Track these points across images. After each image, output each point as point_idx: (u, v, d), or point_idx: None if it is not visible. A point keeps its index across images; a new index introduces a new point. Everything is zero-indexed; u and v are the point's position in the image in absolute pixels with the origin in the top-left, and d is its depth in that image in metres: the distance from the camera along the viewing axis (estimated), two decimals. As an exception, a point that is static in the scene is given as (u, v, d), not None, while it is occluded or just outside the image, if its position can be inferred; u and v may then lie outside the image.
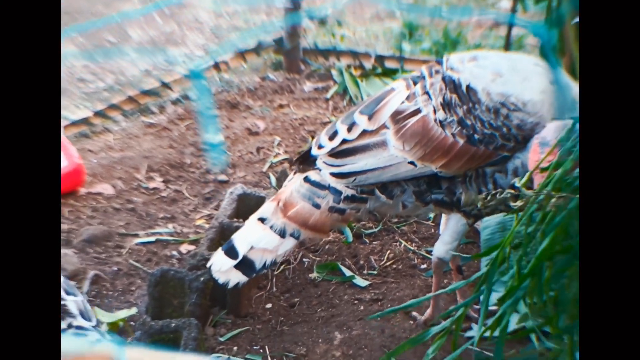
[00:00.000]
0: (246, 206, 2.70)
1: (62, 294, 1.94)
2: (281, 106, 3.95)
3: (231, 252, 2.22)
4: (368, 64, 4.29)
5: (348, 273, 2.57)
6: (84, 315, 1.92)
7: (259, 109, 3.91)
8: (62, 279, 2.01)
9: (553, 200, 1.76)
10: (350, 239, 2.75)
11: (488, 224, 2.58)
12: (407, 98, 2.13)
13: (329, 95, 4.02)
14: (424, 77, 2.15)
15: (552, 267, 1.81)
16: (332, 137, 2.20)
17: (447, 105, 2.06)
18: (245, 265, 2.20)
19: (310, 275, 2.58)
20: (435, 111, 2.07)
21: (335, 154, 2.17)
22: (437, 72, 2.13)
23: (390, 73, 4.18)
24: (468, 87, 2.06)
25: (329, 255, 2.67)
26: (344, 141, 2.17)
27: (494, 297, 1.90)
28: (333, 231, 2.71)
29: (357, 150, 2.15)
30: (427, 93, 2.10)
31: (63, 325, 1.85)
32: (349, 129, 2.17)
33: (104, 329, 2.30)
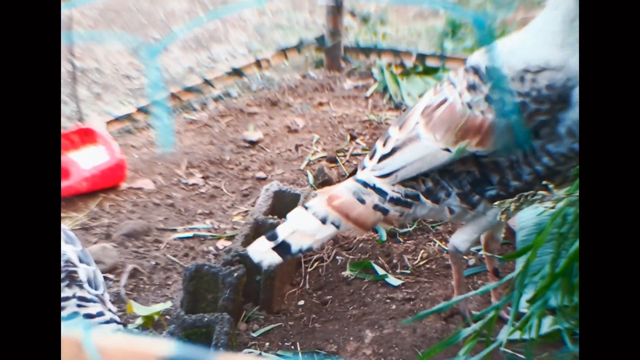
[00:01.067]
0: (282, 203, 2.72)
1: (76, 260, 2.01)
2: (321, 104, 3.96)
3: (272, 237, 2.26)
4: (409, 63, 4.28)
5: (381, 272, 2.57)
6: (91, 283, 1.99)
7: (298, 107, 3.93)
8: (80, 249, 2.08)
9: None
10: (384, 237, 2.76)
11: (524, 225, 2.56)
12: (435, 94, 2.16)
13: (368, 93, 4.02)
14: (449, 77, 2.17)
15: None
16: (372, 156, 2.25)
17: (471, 87, 2.06)
18: (282, 247, 2.24)
19: (343, 273, 2.59)
20: (460, 95, 2.08)
21: (377, 161, 2.22)
22: (461, 69, 2.14)
23: (431, 72, 4.17)
24: (487, 67, 2.05)
25: (363, 254, 2.68)
26: (382, 156, 2.21)
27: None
28: (373, 229, 2.71)
29: (393, 151, 2.18)
30: (452, 84, 2.12)
31: (68, 293, 1.91)
32: (384, 144, 2.22)
33: (131, 316, 2.35)
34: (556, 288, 1.80)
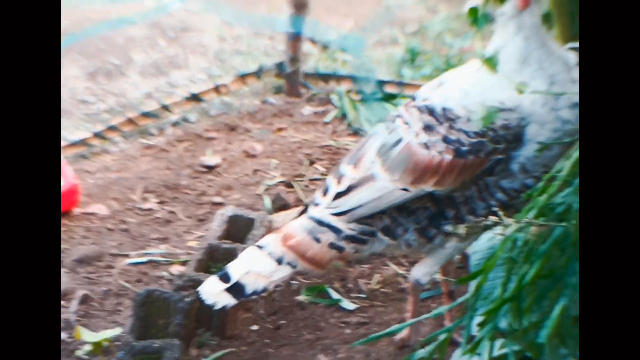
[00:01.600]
0: (237, 227, 2.70)
1: None
2: (280, 129, 3.96)
3: (225, 277, 2.22)
4: (368, 89, 4.30)
5: (336, 296, 2.56)
6: None
7: (257, 132, 3.92)
8: None
9: (534, 227, 1.77)
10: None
11: (478, 249, 2.57)
12: (389, 132, 2.17)
13: (327, 119, 4.03)
14: (400, 115, 2.19)
15: (534, 292, 1.81)
16: (325, 193, 2.24)
17: (428, 128, 2.09)
18: (236, 288, 2.20)
19: (297, 297, 2.58)
20: (417, 135, 2.10)
21: (332, 200, 2.21)
22: (412, 106, 2.17)
23: (390, 98, 4.19)
24: (443, 108, 2.08)
25: (318, 278, 2.67)
26: (337, 194, 2.20)
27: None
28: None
29: (349, 189, 2.18)
30: (406, 123, 2.13)
31: None
32: (339, 182, 2.21)
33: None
34: (506, 311, 1.81)
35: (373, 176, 2.14)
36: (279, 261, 2.21)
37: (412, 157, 2.09)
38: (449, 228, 2.11)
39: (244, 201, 3.24)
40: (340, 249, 2.20)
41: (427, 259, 2.22)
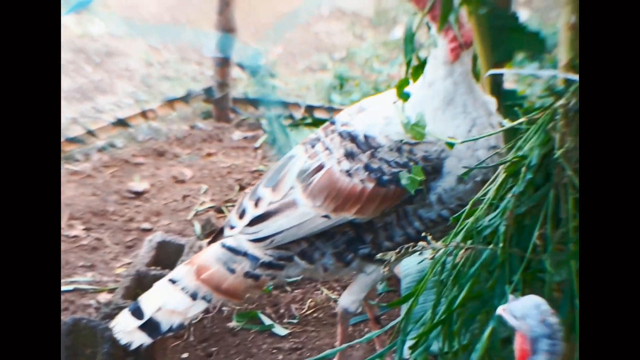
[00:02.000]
0: (165, 254, 2.67)
1: None
2: (209, 154, 3.94)
3: (137, 313, 2.17)
4: (298, 114, 4.33)
5: (268, 322, 2.55)
6: None
7: (186, 157, 3.89)
8: None
9: (462, 250, 1.80)
10: (272, 287, 2.74)
11: (408, 272, 2.59)
12: (309, 157, 2.16)
13: (257, 144, 4.03)
14: (320, 139, 2.18)
15: (463, 314, 1.83)
16: (241, 216, 2.21)
17: (349, 155, 2.09)
18: (150, 326, 2.16)
19: (229, 324, 2.56)
20: (339, 163, 2.10)
21: (248, 223, 2.18)
22: (332, 131, 2.17)
23: (319, 123, 4.21)
24: (365, 135, 2.09)
25: (249, 304, 2.65)
26: (255, 218, 2.18)
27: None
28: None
29: (269, 214, 2.16)
30: (327, 149, 2.13)
31: None
32: (256, 204, 2.19)
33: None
34: (437, 334, 1.83)
35: (294, 202, 2.13)
36: (193, 296, 2.17)
37: (334, 185, 2.09)
38: (379, 255, 2.12)
39: (173, 227, 3.20)
40: (256, 277, 2.18)
41: (352, 287, 2.23)
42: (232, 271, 2.17)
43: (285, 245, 2.16)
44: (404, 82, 1.98)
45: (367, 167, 2.08)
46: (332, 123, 2.21)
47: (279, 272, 2.19)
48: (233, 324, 2.56)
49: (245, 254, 2.17)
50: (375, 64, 5.04)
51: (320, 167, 2.12)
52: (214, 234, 2.32)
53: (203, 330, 2.53)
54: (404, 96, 1.97)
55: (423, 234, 1.85)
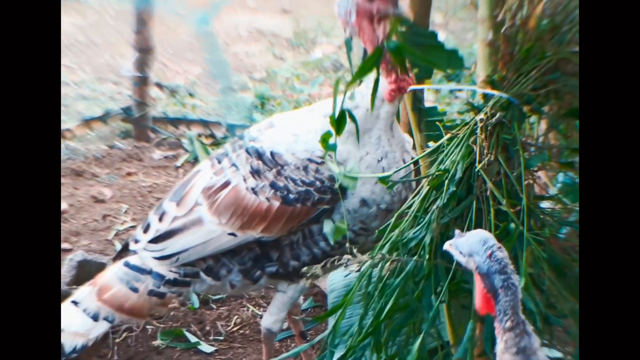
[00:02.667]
0: (87, 273, 2.61)
1: None
2: (129, 174, 3.89)
3: None
4: (219, 133, 4.32)
5: (193, 339, 2.53)
6: None
7: (105, 177, 3.83)
8: None
9: (388, 262, 1.83)
10: (197, 304, 2.71)
11: (334, 287, 2.61)
12: (215, 173, 2.14)
13: (179, 163, 4.00)
14: (227, 154, 2.17)
15: (390, 326, 1.86)
16: (146, 230, 2.19)
17: (256, 173, 2.09)
18: None
19: (154, 342, 2.52)
20: (245, 180, 2.09)
21: (153, 240, 2.15)
22: (240, 146, 2.16)
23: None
24: (272, 152, 2.09)
25: (174, 322, 2.62)
26: (159, 235, 2.15)
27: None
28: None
29: (174, 232, 2.14)
30: (234, 165, 2.12)
31: None
32: (160, 219, 2.16)
33: None
34: (365, 346, 1.84)
35: (200, 219, 2.11)
36: (95, 318, 2.14)
37: (241, 202, 2.08)
38: (305, 269, 2.13)
39: (93, 247, 3.14)
40: (161, 295, 2.16)
41: (271, 308, 2.22)
42: (135, 290, 2.15)
43: (191, 262, 2.15)
44: (327, 136, 1.97)
45: (273, 185, 2.07)
46: (241, 138, 2.20)
47: (185, 289, 2.17)
48: (158, 342, 2.52)
49: (149, 272, 2.15)
50: (296, 84, 5.08)
51: (226, 184, 2.10)
52: (120, 250, 2.28)
53: (127, 349, 2.49)
54: (331, 147, 1.97)
55: (348, 247, 1.86)
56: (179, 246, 2.12)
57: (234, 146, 2.17)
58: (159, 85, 5.04)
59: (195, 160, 4.02)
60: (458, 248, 1.49)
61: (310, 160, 2.06)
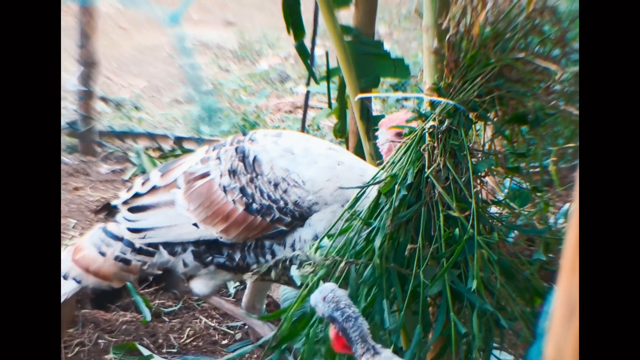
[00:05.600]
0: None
1: None
2: (76, 189, 3.85)
3: None
4: (167, 146, 4.30)
5: (146, 352, 2.51)
6: None
7: (52, 192, 3.77)
8: None
9: (341, 265, 1.84)
10: (149, 317, 2.70)
11: (287, 297, 2.62)
12: (202, 161, 2.20)
13: (127, 177, 3.97)
14: (224, 146, 2.22)
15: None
16: (129, 190, 2.29)
17: (232, 172, 2.14)
18: None
19: (106, 356, 2.49)
20: (221, 176, 2.14)
21: (131, 209, 2.22)
22: (238, 142, 2.21)
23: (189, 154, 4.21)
24: (255, 158, 2.14)
25: (126, 335, 2.60)
26: (136, 194, 2.23)
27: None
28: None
29: (149, 207, 2.21)
30: (219, 158, 2.17)
31: None
32: (143, 183, 2.25)
33: None
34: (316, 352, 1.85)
35: (173, 202, 2.18)
36: (65, 276, 2.21)
37: (211, 195, 2.14)
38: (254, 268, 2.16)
39: (41, 263, 3.10)
40: (126, 262, 2.22)
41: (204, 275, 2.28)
42: (103, 254, 2.22)
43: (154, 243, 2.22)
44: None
45: (242, 190, 2.12)
46: (245, 134, 2.27)
47: (149, 259, 2.23)
48: (110, 356, 2.50)
49: (121, 239, 2.23)
50: (242, 95, 5.09)
51: (205, 175, 2.17)
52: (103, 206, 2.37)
53: (79, 364, 2.46)
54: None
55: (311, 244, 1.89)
56: (148, 223, 2.20)
57: (234, 140, 2.24)
58: (104, 99, 5.00)
59: (143, 173, 4.00)
60: (310, 304, 1.64)
61: (284, 179, 2.11)
